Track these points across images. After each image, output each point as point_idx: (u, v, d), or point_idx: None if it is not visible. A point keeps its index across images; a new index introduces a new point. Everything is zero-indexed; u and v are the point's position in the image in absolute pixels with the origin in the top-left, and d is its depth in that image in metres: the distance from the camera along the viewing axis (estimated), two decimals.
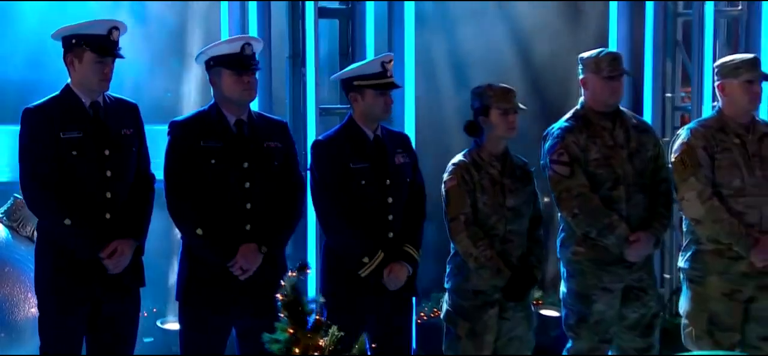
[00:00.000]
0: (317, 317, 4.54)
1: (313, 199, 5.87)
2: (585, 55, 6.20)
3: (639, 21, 7.86)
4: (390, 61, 5.88)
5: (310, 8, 7.16)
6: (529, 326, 6.16)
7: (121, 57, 5.45)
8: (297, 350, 4.48)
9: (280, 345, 4.50)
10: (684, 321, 6.26)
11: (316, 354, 4.48)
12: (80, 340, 5.53)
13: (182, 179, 5.56)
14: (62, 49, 5.46)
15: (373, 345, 4.89)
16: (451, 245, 6.08)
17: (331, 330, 4.57)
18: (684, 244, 6.29)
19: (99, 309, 5.50)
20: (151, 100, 7.12)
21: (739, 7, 8.03)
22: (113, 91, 5.59)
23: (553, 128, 6.18)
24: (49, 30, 5.53)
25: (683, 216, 6.26)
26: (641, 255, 6.10)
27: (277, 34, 7.40)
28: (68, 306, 5.44)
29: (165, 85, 7.86)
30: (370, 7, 7.33)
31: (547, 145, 6.15)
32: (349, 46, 7.44)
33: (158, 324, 7.38)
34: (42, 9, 7.40)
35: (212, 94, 5.72)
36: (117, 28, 5.42)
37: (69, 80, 5.46)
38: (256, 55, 5.67)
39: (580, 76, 6.21)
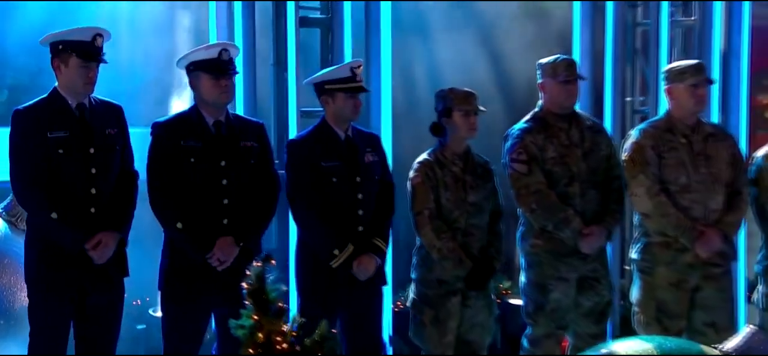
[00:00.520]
0: (280, 304, 4.49)
1: (287, 196, 5.80)
2: (543, 61, 6.17)
3: (600, 30, 7.79)
4: (359, 66, 5.84)
5: (291, 18, 7.10)
6: (490, 313, 6.13)
7: (105, 62, 5.39)
8: (260, 335, 4.43)
9: (244, 331, 4.45)
10: (634, 308, 6.27)
11: (278, 338, 4.44)
12: (67, 326, 5.45)
13: (163, 176, 5.51)
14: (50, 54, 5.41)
15: (334, 331, 4.78)
16: (417, 238, 6.02)
17: (293, 316, 4.52)
18: (635, 237, 6.27)
19: (86, 297, 5.43)
20: None
21: (694, 18, 7.98)
22: None
23: (513, 129, 6.15)
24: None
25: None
26: (594, 247, 6.06)
27: (262, 42, 7.34)
28: (55, 295, 5.37)
29: None
30: (347, 17, 7.25)
31: (508, 144, 6.12)
32: (330, 52, 7.37)
33: (150, 312, 7.31)
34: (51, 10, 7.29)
35: (192, 96, 5.65)
36: (101, 35, 5.36)
37: (56, 83, 5.40)
38: (233, 60, 5.60)
39: (539, 81, 6.18)
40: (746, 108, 7.91)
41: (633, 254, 6.26)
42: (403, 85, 8.07)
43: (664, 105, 6.28)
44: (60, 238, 5.31)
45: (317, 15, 7.46)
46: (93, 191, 5.38)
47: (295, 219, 5.86)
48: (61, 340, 5.45)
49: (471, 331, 6.06)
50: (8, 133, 5.37)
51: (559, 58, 6.14)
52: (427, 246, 5.93)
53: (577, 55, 7.78)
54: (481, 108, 5.99)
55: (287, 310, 4.50)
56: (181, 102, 7.41)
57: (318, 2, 7.49)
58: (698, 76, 6.11)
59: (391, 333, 7.29)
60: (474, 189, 5.98)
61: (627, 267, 8.17)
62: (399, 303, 7.65)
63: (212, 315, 5.69)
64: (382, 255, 5.84)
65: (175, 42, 7.79)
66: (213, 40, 7.02)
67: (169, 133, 5.54)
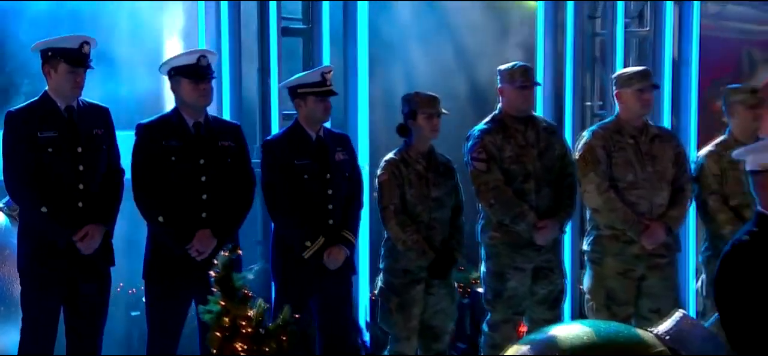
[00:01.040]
0: (245, 291, 4.47)
1: (262, 192, 5.76)
2: (502, 67, 6.13)
3: (561, 40, 7.75)
4: (329, 71, 5.81)
5: (273, 28, 7.06)
6: (452, 300, 6.09)
7: (91, 67, 5.35)
8: (226, 320, 4.41)
9: (212, 316, 4.44)
10: (586, 295, 6.24)
11: (243, 322, 4.42)
12: (57, 313, 5.41)
13: (146, 174, 5.47)
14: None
15: (297, 316, 4.74)
16: (384, 231, 5.98)
17: (258, 302, 4.49)
18: (587, 230, 6.23)
19: (75, 286, 5.39)
20: None
21: (647, 28, 7.93)
22: None
23: (473, 130, 6.12)
24: None
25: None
26: (548, 239, 6.01)
27: (248, 51, 7.30)
28: (46, 284, 5.33)
29: None
30: (326, 27, 7.21)
31: (469, 144, 6.08)
32: (310, 59, 7.31)
33: (144, 299, 7.26)
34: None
35: (174, 99, 5.60)
36: (88, 43, 5.33)
37: (47, 87, 5.36)
38: (211, 66, 5.57)
39: (498, 86, 6.13)
40: (696, 111, 7.87)
41: (584, 246, 6.24)
42: (384, 89, 8.00)
43: None
44: (49, 231, 5.27)
45: (299, 25, 7.40)
46: (81, 187, 5.33)
47: (270, 214, 5.81)
48: (51, 325, 5.40)
49: (434, 317, 6.01)
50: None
51: (516, 65, 6.10)
52: (393, 238, 5.89)
53: (540, 63, 7.76)
54: (444, 111, 5.95)
55: (252, 297, 4.47)
56: None
57: (300, 10, 7.40)
58: (644, 81, 6.09)
59: (368, 319, 7.23)
60: (436, 186, 5.94)
61: None
62: (376, 291, 7.60)
63: (192, 303, 5.62)
64: (351, 247, 5.80)
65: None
66: (201, 41, 6.99)
67: (151, 134, 5.51)
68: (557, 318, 6.18)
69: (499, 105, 6.14)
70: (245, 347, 4.36)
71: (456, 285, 6.20)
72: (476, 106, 8.10)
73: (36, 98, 5.38)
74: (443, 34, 8.18)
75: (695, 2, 7.85)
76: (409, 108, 5.93)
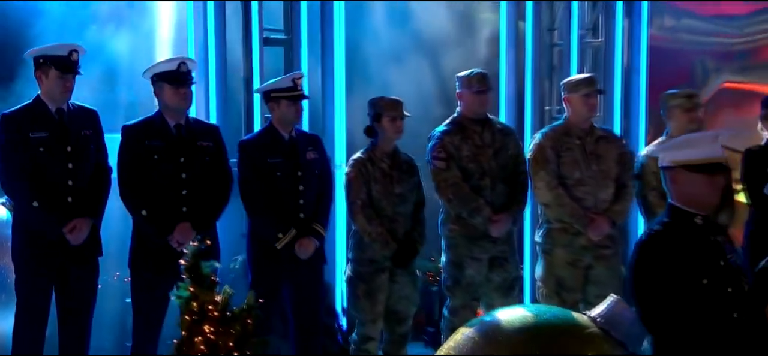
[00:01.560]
0: (212, 278, 4.43)
1: (239, 188, 5.72)
2: (461, 74, 6.11)
3: (522, 50, 7.71)
4: (300, 77, 5.78)
5: (255, 39, 7.04)
6: (414, 287, 6.05)
7: (80, 74, 5.33)
8: (195, 304, 4.38)
9: (182, 301, 4.41)
10: (538, 283, 6.20)
11: (210, 307, 4.39)
12: (49, 299, 5.38)
13: (131, 171, 5.44)
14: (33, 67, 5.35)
15: (261, 301, 4.71)
16: (352, 224, 5.95)
17: (224, 289, 4.46)
18: (539, 223, 6.20)
19: (66, 274, 5.37)
20: None
21: (600, 39, 7.87)
22: None
23: (435, 131, 6.09)
24: None
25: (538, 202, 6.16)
26: (502, 231, 5.99)
27: (233, 59, 7.28)
28: (38, 273, 5.31)
29: None
30: (304, 37, 7.18)
31: (430, 145, 6.06)
32: (291, 67, 7.27)
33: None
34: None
35: (156, 103, 5.57)
36: (76, 51, 5.32)
37: (39, 91, 5.34)
38: (191, 72, 5.53)
39: (457, 91, 6.11)
40: (644, 115, 7.83)
41: (537, 238, 6.21)
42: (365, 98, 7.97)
43: None
44: (40, 223, 5.25)
45: (280, 36, 7.36)
46: (70, 183, 5.31)
47: (245, 208, 5.78)
48: (43, 309, 5.38)
49: (398, 303, 5.98)
50: None
51: (473, 72, 6.08)
52: (360, 230, 5.86)
53: (503, 72, 7.73)
54: (406, 113, 5.91)
55: (219, 283, 4.44)
56: None
57: (281, 21, 7.37)
58: (590, 87, 6.07)
59: (344, 305, 7.20)
60: (399, 183, 5.90)
61: None
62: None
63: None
64: (321, 238, 5.77)
65: None
66: (191, 50, 6.96)
67: (136, 134, 5.48)
68: (512, 304, 6.12)
69: (458, 108, 6.11)
70: (213, 329, 4.33)
71: (419, 273, 6.15)
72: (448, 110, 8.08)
73: (29, 101, 5.35)
74: (419, 51, 8.08)
75: (644, 16, 7.79)
76: (374, 111, 5.90)
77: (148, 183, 5.43)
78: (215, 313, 4.34)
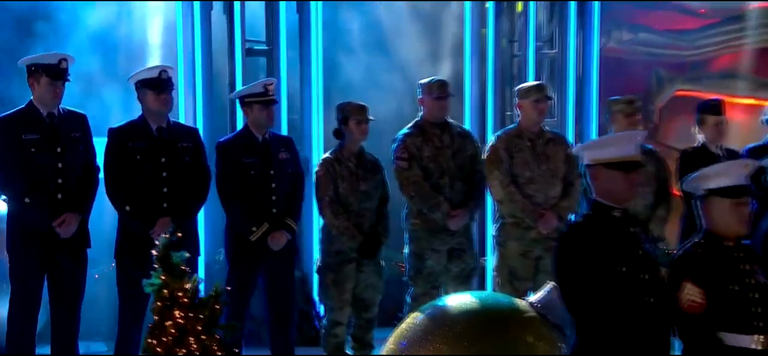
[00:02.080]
0: (182, 267, 4.40)
1: (216, 185, 5.70)
2: (422, 81, 6.10)
3: (485, 60, 7.70)
4: (271, 84, 5.77)
5: (238, 50, 7.04)
6: (379, 277, 6.01)
7: (69, 80, 5.31)
8: (166, 291, 4.34)
9: (154, 288, 4.37)
10: (493, 273, 6.20)
11: (180, 294, 4.35)
12: (40, 286, 5.36)
13: (116, 170, 5.43)
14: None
15: (228, 288, 4.69)
16: (321, 218, 5.94)
17: (193, 277, 4.43)
18: (495, 218, 6.19)
19: (56, 264, 5.35)
20: None
21: (555, 50, 7.85)
22: None
23: (398, 134, 6.08)
24: None
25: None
26: (460, 225, 5.97)
27: (220, 68, 7.28)
28: (29, 263, 5.30)
29: None
30: (283, 48, 7.18)
31: (394, 146, 6.04)
32: (272, 74, 7.26)
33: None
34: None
35: (140, 108, 5.56)
36: (65, 59, 5.30)
37: (31, 97, 5.32)
38: (171, 79, 5.52)
39: (419, 97, 6.10)
40: (596, 119, 7.81)
41: (493, 231, 6.21)
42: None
43: None
44: (32, 218, 5.24)
45: (262, 47, 7.35)
46: (60, 181, 5.30)
47: (222, 204, 5.75)
48: (35, 297, 5.37)
49: (365, 291, 5.95)
50: None
51: (433, 79, 6.08)
52: (328, 224, 5.84)
53: (467, 80, 7.72)
54: (371, 117, 5.89)
55: (189, 272, 4.40)
56: None
57: (263, 33, 7.37)
58: (540, 94, 6.06)
59: None
60: (365, 181, 5.88)
61: None
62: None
63: None
64: (292, 232, 5.74)
65: None
66: (180, 62, 6.93)
67: (120, 136, 5.47)
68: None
69: (420, 113, 6.10)
70: (182, 314, 4.28)
71: (384, 263, 6.12)
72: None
73: (23, 106, 5.34)
74: (395, 71, 7.99)
75: (595, 29, 7.77)
76: (342, 115, 5.88)
77: (132, 181, 5.41)
78: (185, 300, 4.28)
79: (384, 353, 4.79)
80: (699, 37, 8.90)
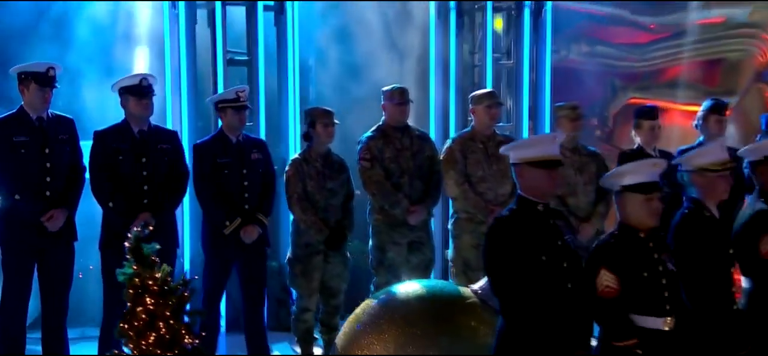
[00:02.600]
0: (152, 258, 4.39)
1: (193, 184, 5.70)
2: (384, 88, 6.11)
3: (448, 70, 7.69)
4: (243, 90, 5.76)
5: (220, 59, 7.03)
6: (345, 267, 6.00)
7: (56, 87, 5.31)
8: (137, 280, 4.33)
9: (126, 277, 4.36)
10: (449, 263, 6.20)
11: (150, 282, 4.34)
12: (31, 276, 5.36)
13: (100, 170, 5.42)
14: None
15: (195, 277, 4.69)
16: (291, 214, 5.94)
17: (163, 267, 4.41)
18: (451, 213, 6.19)
19: (45, 255, 5.35)
20: None
21: (511, 61, 7.85)
22: None
23: (362, 137, 6.09)
24: None
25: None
26: (418, 220, 5.98)
27: (204, 75, 7.28)
28: (21, 253, 5.30)
29: None
30: (261, 60, 7.18)
31: (358, 148, 6.04)
32: (252, 83, 7.26)
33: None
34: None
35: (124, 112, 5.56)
36: (53, 68, 5.30)
37: (22, 102, 5.32)
38: (152, 86, 5.51)
39: (382, 103, 6.10)
40: (549, 124, 7.79)
41: (449, 226, 6.19)
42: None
43: None
44: (22, 213, 5.23)
45: (243, 57, 7.35)
46: (48, 179, 5.29)
47: (198, 201, 5.75)
48: (26, 286, 5.36)
49: (331, 280, 5.94)
50: None
51: (395, 87, 6.09)
52: (297, 219, 5.84)
53: (432, 89, 7.71)
54: (336, 121, 5.89)
55: (158, 262, 4.40)
56: None
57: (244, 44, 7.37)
58: (491, 100, 6.08)
59: None
60: (331, 179, 5.88)
61: None
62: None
63: None
64: (263, 226, 5.73)
65: None
66: (167, 50, 6.96)
67: (104, 138, 5.46)
68: None
69: (383, 117, 6.10)
70: (152, 301, 4.28)
71: (350, 255, 6.12)
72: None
73: (14, 110, 5.34)
74: (366, 80, 7.95)
75: (548, 43, 7.77)
76: (310, 119, 5.89)
77: (115, 179, 5.41)
78: (155, 287, 4.28)
79: (341, 335, 4.80)
80: (650, 50, 8.97)
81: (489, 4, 7.57)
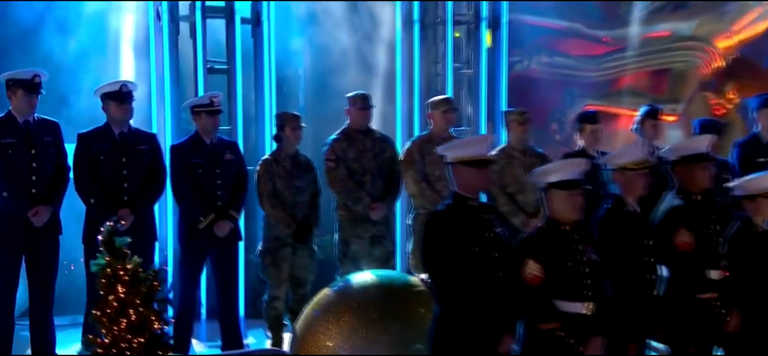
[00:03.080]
0: (124, 250, 4.38)
1: (170, 182, 5.69)
2: (348, 95, 6.13)
3: (411, 78, 7.68)
4: (216, 96, 5.77)
5: (201, 68, 7.02)
6: (312, 258, 6.02)
7: (42, 93, 5.30)
8: (109, 270, 4.32)
9: (99, 267, 4.35)
10: (409, 256, 6.20)
11: (122, 272, 4.33)
12: (18, 267, 5.34)
13: (83, 169, 5.41)
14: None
15: (165, 267, 4.69)
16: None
17: (133, 258, 4.41)
18: (410, 209, 6.20)
19: (32, 248, 5.32)
20: None
21: (471, 70, 7.86)
22: None
23: (328, 139, 6.10)
24: None
25: None
26: (380, 216, 5.99)
27: (187, 83, 7.26)
28: (9, 246, 5.27)
29: None
30: (238, 68, 7.16)
31: (324, 149, 6.04)
32: (231, 90, 7.23)
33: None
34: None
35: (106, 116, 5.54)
36: (39, 75, 5.28)
37: (10, 107, 5.31)
38: (131, 92, 5.50)
39: (346, 108, 6.10)
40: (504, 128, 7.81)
41: (408, 221, 6.22)
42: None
43: None
44: (10, 209, 5.21)
45: (222, 66, 7.34)
46: (33, 178, 5.26)
47: (175, 198, 5.75)
48: (14, 274, 5.34)
49: (299, 270, 5.95)
50: None
51: (357, 93, 6.13)
52: (267, 214, 5.85)
53: (399, 96, 7.68)
54: (303, 124, 5.91)
55: (130, 254, 4.39)
56: None
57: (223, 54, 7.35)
58: (447, 105, 6.13)
59: None
60: (298, 178, 5.90)
61: None
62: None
63: None
64: (235, 221, 5.73)
65: None
66: (152, 59, 6.92)
67: (87, 140, 5.45)
68: None
69: (347, 121, 6.10)
70: (124, 290, 4.27)
71: (316, 248, 6.12)
72: None
73: (2, 115, 5.31)
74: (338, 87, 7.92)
75: (504, 54, 7.78)
76: (279, 122, 5.93)
77: (96, 178, 5.40)
78: (126, 277, 4.27)
79: (300, 320, 4.80)
80: (604, 61, 9.04)
81: (450, 19, 7.59)
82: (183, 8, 7.05)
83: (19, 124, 5.27)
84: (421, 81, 7.69)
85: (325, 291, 4.74)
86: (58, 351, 5.51)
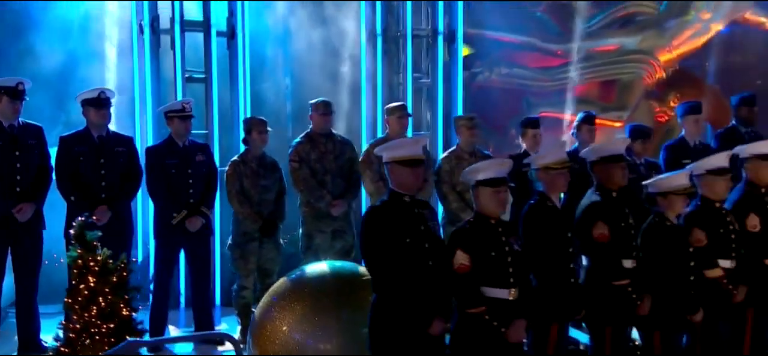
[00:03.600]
0: (94, 243, 4.39)
1: (145, 182, 5.68)
2: (312, 101, 6.13)
3: (375, 87, 7.68)
4: (189, 102, 5.77)
5: (179, 78, 7.00)
6: (278, 251, 6.01)
7: (26, 99, 5.28)
8: (80, 262, 4.34)
9: (72, 258, 4.36)
10: None
11: (92, 264, 4.35)
12: (4, 259, 5.33)
13: (64, 169, 5.41)
14: None
15: (135, 260, 4.68)
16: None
17: (103, 250, 4.42)
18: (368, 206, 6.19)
19: (16, 242, 5.32)
20: None
21: (429, 80, 7.88)
22: None
23: (293, 142, 6.12)
24: None
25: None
26: (340, 212, 6.00)
27: (167, 91, 7.24)
28: None
29: None
30: (214, 78, 7.15)
31: (289, 151, 6.05)
32: (207, 98, 7.22)
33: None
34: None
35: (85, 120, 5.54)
36: (22, 83, 5.27)
37: None
38: (109, 99, 5.49)
39: (310, 113, 6.11)
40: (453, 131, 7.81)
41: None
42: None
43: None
44: None
45: (200, 75, 7.33)
46: (18, 177, 5.27)
47: (150, 196, 5.75)
48: (0, 268, 5.32)
49: (266, 263, 5.96)
50: None
51: (319, 100, 6.13)
52: (235, 211, 5.86)
53: (364, 103, 7.67)
54: (269, 128, 5.91)
55: (99, 246, 4.39)
56: None
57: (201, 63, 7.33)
58: (401, 111, 6.15)
59: None
60: (265, 178, 5.90)
61: None
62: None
63: None
64: (206, 217, 5.74)
65: None
66: (136, 68, 6.89)
67: (68, 142, 5.45)
68: None
69: (311, 125, 6.12)
70: (94, 280, 4.29)
71: (282, 241, 6.13)
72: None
73: None
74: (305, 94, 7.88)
75: (459, 64, 7.81)
76: (247, 126, 5.93)
77: (76, 177, 5.40)
78: (96, 268, 4.29)
79: (259, 306, 4.81)
80: (558, 72, 9.07)
81: (409, 33, 7.61)
82: (164, 22, 7.04)
83: (5, 127, 5.26)
84: (383, 89, 7.71)
85: (283, 280, 4.75)
86: (42, 336, 5.49)
